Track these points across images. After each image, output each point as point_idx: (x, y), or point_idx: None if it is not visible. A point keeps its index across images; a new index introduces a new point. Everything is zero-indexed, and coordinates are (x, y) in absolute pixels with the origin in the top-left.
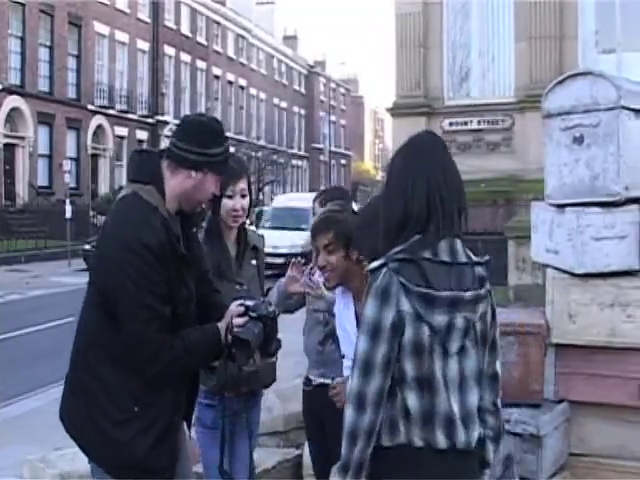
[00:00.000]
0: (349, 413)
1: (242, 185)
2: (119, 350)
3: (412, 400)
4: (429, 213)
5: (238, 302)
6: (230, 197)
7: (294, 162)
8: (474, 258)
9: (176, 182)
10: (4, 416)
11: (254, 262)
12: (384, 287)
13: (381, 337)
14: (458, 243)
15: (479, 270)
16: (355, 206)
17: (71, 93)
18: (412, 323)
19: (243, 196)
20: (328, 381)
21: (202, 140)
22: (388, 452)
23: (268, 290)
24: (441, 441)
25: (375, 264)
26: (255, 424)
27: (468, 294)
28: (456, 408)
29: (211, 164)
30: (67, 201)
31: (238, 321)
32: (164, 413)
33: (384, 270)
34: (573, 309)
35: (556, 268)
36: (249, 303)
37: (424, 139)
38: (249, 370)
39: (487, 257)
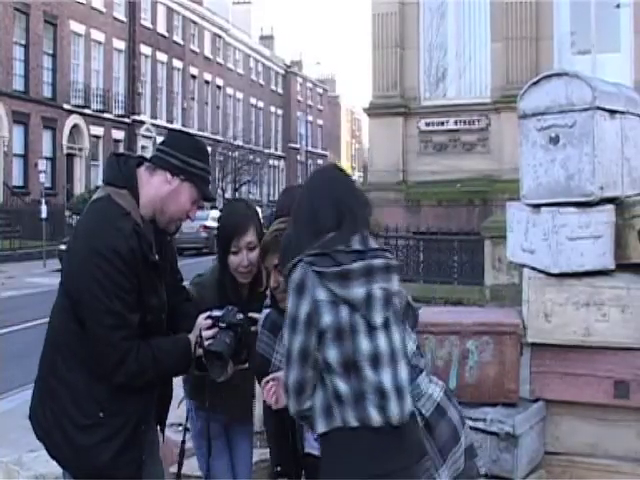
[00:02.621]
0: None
1: (248, 238)
2: (86, 355)
3: (341, 385)
4: (339, 221)
5: (205, 314)
6: (235, 253)
7: (271, 162)
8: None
9: (152, 187)
10: None
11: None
12: (299, 280)
13: (297, 328)
14: (368, 236)
15: (388, 257)
16: None
17: (46, 92)
18: (330, 310)
19: (250, 249)
20: None
21: (185, 149)
22: (325, 438)
23: None
24: (375, 418)
25: (291, 263)
26: (250, 431)
27: (378, 261)
28: (388, 382)
29: (189, 173)
30: (42, 201)
31: (208, 333)
32: (130, 421)
33: (299, 265)
34: (549, 308)
35: (532, 268)
36: (217, 314)
37: (325, 171)
38: (222, 380)
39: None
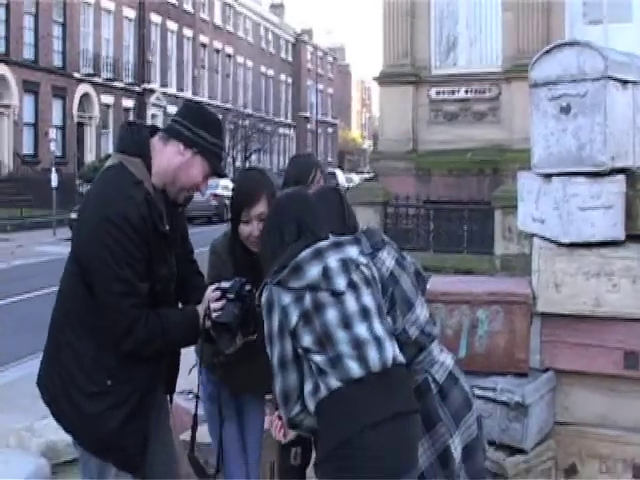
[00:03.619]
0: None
1: (260, 209)
2: (95, 322)
3: (318, 358)
4: (299, 236)
5: (214, 286)
6: (246, 222)
7: (281, 130)
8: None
9: (164, 157)
10: None
11: None
12: (266, 301)
13: (273, 342)
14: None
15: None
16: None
17: (56, 61)
18: (295, 306)
19: (261, 220)
20: None
21: (200, 123)
22: (316, 413)
23: None
24: (354, 369)
25: (260, 290)
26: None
27: (324, 242)
28: (363, 334)
29: (202, 147)
30: (53, 170)
31: (216, 305)
32: (137, 390)
33: (264, 289)
34: (559, 278)
35: (542, 237)
36: (225, 285)
37: (295, 195)
38: (231, 352)
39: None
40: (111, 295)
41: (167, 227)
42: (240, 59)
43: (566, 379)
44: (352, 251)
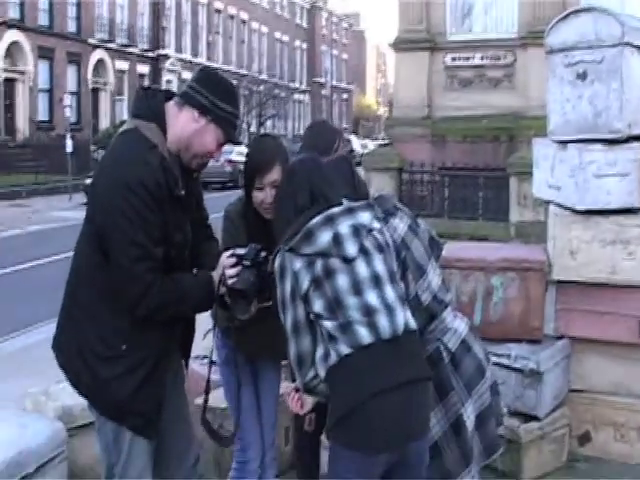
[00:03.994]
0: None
1: (273, 176)
2: (109, 287)
3: (328, 323)
4: (312, 202)
5: (229, 252)
6: (259, 189)
7: (296, 96)
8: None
9: (179, 123)
10: (5, 350)
11: None
12: (279, 266)
13: (286, 307)
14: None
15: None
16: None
17: (71, 27)
18: (307, 272)
19: (275, 187)
20: None
21: (216, 91)
22: (326, 380)
23: None
24: (364, 336)
25: (273, 256)
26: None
27: (336, 208)
28: (373, 301)
29: (216, 115)
30: (68, 135)
31: (231, 272)
32: (152, 355)
33: (277, 255)
34: (574, 246)
35: (558, 204)
36: (240, 252)
37: (308, 163)
38: (246, 318)
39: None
40: (126, 259)
41: (182, 192)
42: (255, 25)
43: (581, 347)
44: (364, 217)
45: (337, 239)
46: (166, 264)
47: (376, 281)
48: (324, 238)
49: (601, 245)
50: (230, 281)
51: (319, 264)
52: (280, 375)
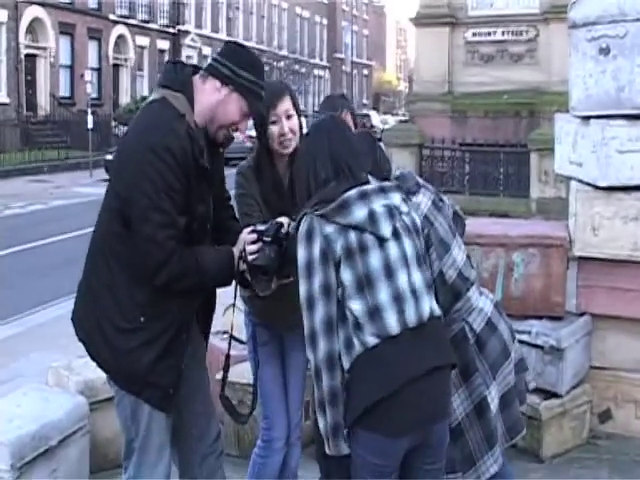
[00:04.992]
0: (308, 353)
1: (285, 106)
2: (129, 258)
3: (356, 305)
4: (336, 172)
5: (249, 229)
6: (274, 122)
7: (316, 72)
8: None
9: (204, 94)
10: (27, 324)
11: None
12: (307, 229)
13: (314, 268)
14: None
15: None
16: (376, 115)
17: (92, 3)
18: (340, 237)
19: (289, 117)
20: None
21: (237, 61)
22: (349, 372)
23: None
24: (393, 325)
25: (298, 218)
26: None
27: (370, 186)
28: (403, 285)
29: (238, 84)
30: (89, 111)
31: (252, 248)
32: (171, 328)
33: (304, 218)
34: (596, 222)
35: (580, 180)
36: (261, 228)
37: (325, 123)
38: (267, 294)
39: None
40: (149, 225)
41: (207, 164)
42: (275, 0)
43: (602, 323)
44: (396, 198)
45: (372, 216)
46: (188, 236)
47: (406, 264)
48: (360, 212)
49: (623, 221)
50: (250, 257)
51: (353, 236)
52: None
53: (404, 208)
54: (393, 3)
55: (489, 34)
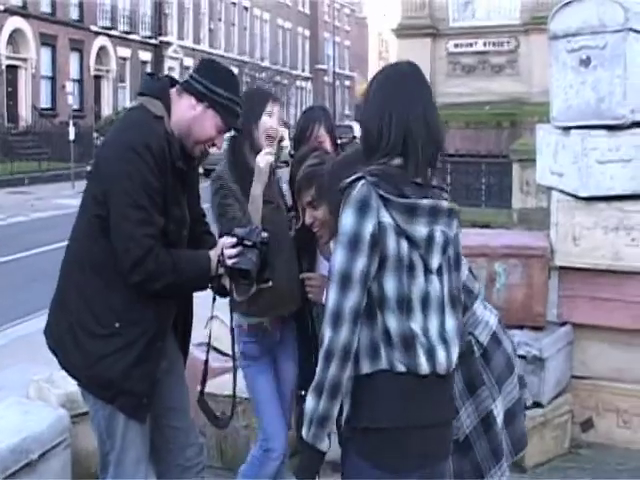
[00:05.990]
0: (326, 331)
1: (278, 107)
2: (106, 262)
3: (392, 322)
4: (405, 151)
5: (230, 236)
6: (269, 115)
7: (298, 83)
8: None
9: (180, 108)
10: (9, 336)
11: (273, 178)
12: (362, 198)
13: (360, 249)
14: (431, 171)
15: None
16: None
17: (73, 14)
18: (393, 236)
19: (280, 117)
20: None
21: (212, 78)
22: (369, 379)
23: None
24: (423, 365)
25: (351, 178)
26: (293, 350)
27: (444, 203)
28: (435, 329)
29: (213, 101)
30: (70, 123)
31: (232, 252)
32: (146, 334)
33: (362, 182)
34: (577, 232)
35: (561, 191)
36: (240, 232)
37: (405, 71)
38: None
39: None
40: (128, 222)
41: (184, 166)
42: (257, 11)
43: (583, 333)
44: (454, 226)
45: (430, 241)
46: (164, 239)
47: (441, 307)
48: (423, 230)
49: (604, 231)
50: (231, 261)
51: (405, 246)
52: (296, 363)
53: (452, 234)
54: (375, 14)
55: (470, 45)
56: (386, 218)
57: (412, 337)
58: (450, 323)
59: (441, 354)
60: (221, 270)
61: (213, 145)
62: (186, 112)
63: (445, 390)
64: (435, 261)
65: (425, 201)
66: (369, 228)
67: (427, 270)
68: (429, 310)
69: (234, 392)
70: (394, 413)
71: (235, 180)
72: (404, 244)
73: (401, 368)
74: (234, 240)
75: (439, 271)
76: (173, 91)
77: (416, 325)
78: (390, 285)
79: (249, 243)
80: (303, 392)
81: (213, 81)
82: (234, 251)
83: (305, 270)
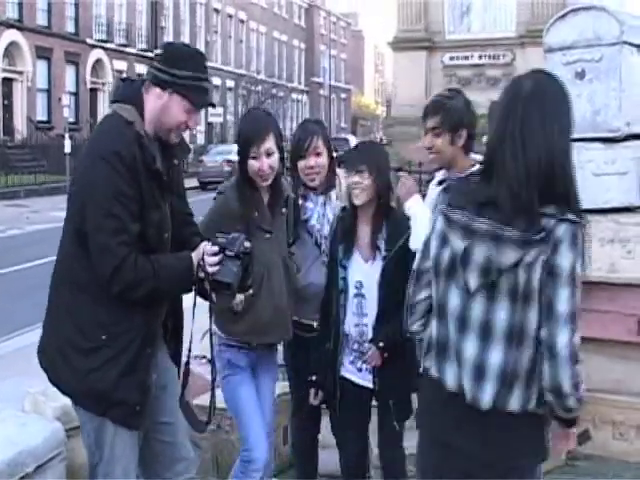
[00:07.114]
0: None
1: (267, 145)
2: (88, 277)
3: (433, 326)
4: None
5: (212, 243)
6: (255, 158)
7: (294, 96)
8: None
9: (149, 103)
10: (5, 349)
11: (284, 210)
12: (441, 231)
13: (440, 273)
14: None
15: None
16: (354, 139)
17: (69, 27)
18: (438, 239)
19: (269, 155)
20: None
21: (173, 61)
22: (420, 376)
23: (293, 242)
24: (450, 381)
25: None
26: (274, 364)
27: (507, 233)
28: (470, 353)
29: (176, 85)
30: (66, 136)
31: (213, 260)
32: (134, 343)
33: (445, 213)
34: None
35: None
36: (222, 241)
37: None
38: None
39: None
40: (102, 233)
41: (160, 167)
42: (253, 24)
43: (580, 345)
44: (512, 256)
45: (466, 259)
46: (144, 244)
47: (484, 331)
48: (458, 244)
49: (600, 244)
50: (211, 270)
51: (446, 252)
52: (276, 376)
53: (509, 263)
54: (371, 27)
55: (466, 58)
56: (460, 244)
57: (444, 347)
58: (494, 356)
59: (468, 380)
60: (202, 274)
61: (187, 127)
62: (154, 104)
63: (486, 428)
64: (472, 281)
65: (481, 224)
66: (447, 254)
67: (467, 289)
68: (468, 330)
69: (212, 393)
70: (428, 420)
71: (237, 197)
72: (446, 250)
73: (436, 374)
74: (215, 249)
75: (486, 295)
76: (143, 90)
77: (449, 338)
78: (434, 288)
79: (231, 253)
80: (314, 377)
81: (174, 65)
82: (215, 259)
83: (341, 255)
